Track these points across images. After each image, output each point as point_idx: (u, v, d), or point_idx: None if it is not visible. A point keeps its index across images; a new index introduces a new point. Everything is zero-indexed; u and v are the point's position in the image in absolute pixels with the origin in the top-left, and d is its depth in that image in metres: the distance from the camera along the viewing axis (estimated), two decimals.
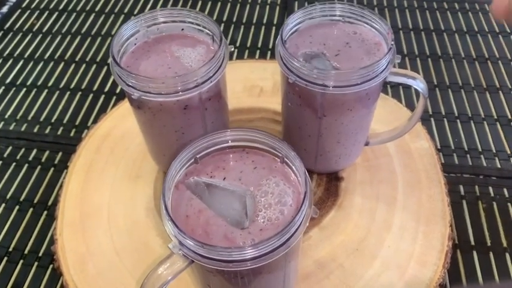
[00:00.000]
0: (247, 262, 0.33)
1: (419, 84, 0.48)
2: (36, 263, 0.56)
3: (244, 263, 0.33)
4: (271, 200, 0.38)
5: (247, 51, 0.79)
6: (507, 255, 0.54)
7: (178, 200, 0.38)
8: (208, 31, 0.50)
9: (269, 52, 0.79)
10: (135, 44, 0.50)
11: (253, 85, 0.69)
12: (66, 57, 0.80)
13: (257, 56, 0.78)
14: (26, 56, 0.81)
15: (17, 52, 0.82)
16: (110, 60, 0.46)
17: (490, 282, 0.51)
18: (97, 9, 0.89)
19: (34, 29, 0.86)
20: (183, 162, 0.39)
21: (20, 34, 0.85)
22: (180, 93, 0.45)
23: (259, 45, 0.80)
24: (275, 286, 0.40)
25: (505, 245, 0.55)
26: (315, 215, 0.36)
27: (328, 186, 0.57)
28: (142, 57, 0.49)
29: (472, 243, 0.55)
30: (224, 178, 0.40)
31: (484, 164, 0.63)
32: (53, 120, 0.71)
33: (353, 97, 0.46)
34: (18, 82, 0.76)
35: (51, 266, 0.55)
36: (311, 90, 0.45)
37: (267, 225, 0.36)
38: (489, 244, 0.55)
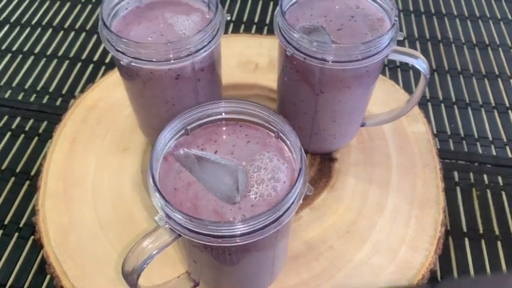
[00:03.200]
0: (237, 238, 0.32)
1: (421, 63, 0.46)
2: (16, 234, 0.54)
3: (234, 239, 0.32)
4: (264, 176, 0.36)
5: (243, 26, 0.77)
6: (499, 244, 0.53)
7: (167, 171, 0.36)
8: None
9: (266, 28, 0.77)
10: (126, 9, 0.48)
11: (248, 60, 0.67)
12: (54, 24, 0.77)
13: (253, 31, 0.76)
14: (12, 20, 0.77)
15: (3, 16, 0.78)
16: (99, 24, 0.44)
17: (481, 274, 0.50)
18: None
19: None
20: (173, 133, 0.38)
21: None
22: (172, 61, 0.43)
23: (256, 20, 0.78)
24: (264, 265, 0.39)
25: (497, 233, 0.54)
26: (309, 192, 0.34)
27: (321, 166, 0.55)
28: (133, 23, 0.47)
29: (465, 230, 0.55)
30: (216, 151, 0.38)
31: (480, 151, 0.62)
32: (38, 88, 0.68)
33: (352, 74, 0.44)
34: (3, 47, 0.73)
35: (31, 237, 0.53)
36: (309, 65, 0.43)
37: (259, 201, 0.35)
38: (481, 232, 0.54)
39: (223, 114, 0.39)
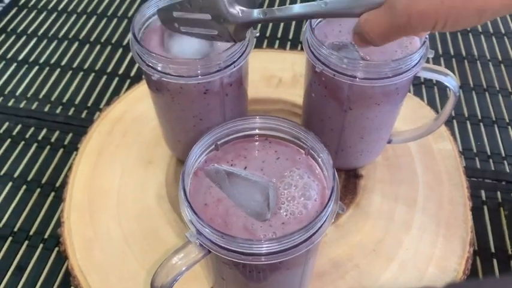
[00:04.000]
0: (268, 256, 0.31)
1: (450, 81, 0.46)
2: (41, 245, 0.54)
3: (265, 257, 0.31)
4: (294, 193, 0.36)
5: (266, 41, 0.77)
6: None
7: (197, 187, 0.36)
8: None
9: (289, 43, 0.77)
10: (156, 24, 0.48)
11: (272, 75, 0.67)
12: (80, 37, 0.78)
13: (276, 46, 0.76)
14: (39, 33, 0.79)
15: (31, 29, 0.80)
16: (130, 37, 0.44)
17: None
18: None
19: (49, 7, 0.84)
20: (204, 148, 0.38)
21: (35, 11, 0.83)
22: (201, 76, 0.43)
23: (279, 35, 0.78)
24: (292, 283, 0.39)
25: None
26: (341, 211, 0.34)
27: (346, 183, 0.55)
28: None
29: (492, 250, 0.53)
30: (245, 167, 0.38)
31: (507, 170, 0.61)
32: (64, 100, 0.69)
33: (382, 91, 0.44)
34: (31, 60, 0.75)
35: (56, 249, 0.54)
36: (338, 81, 0.43)
37: (290, 219, 0.34)
38: (510, 252, 0.53)
39: (253, 130, 0.39)
